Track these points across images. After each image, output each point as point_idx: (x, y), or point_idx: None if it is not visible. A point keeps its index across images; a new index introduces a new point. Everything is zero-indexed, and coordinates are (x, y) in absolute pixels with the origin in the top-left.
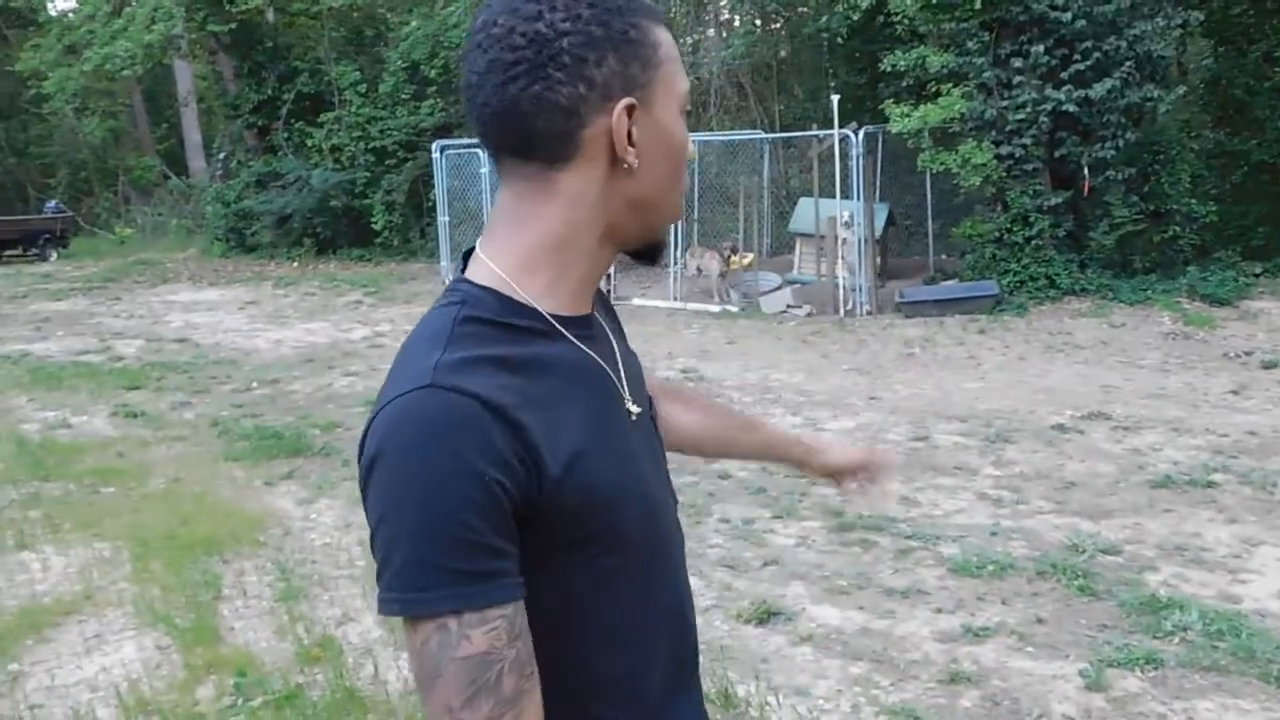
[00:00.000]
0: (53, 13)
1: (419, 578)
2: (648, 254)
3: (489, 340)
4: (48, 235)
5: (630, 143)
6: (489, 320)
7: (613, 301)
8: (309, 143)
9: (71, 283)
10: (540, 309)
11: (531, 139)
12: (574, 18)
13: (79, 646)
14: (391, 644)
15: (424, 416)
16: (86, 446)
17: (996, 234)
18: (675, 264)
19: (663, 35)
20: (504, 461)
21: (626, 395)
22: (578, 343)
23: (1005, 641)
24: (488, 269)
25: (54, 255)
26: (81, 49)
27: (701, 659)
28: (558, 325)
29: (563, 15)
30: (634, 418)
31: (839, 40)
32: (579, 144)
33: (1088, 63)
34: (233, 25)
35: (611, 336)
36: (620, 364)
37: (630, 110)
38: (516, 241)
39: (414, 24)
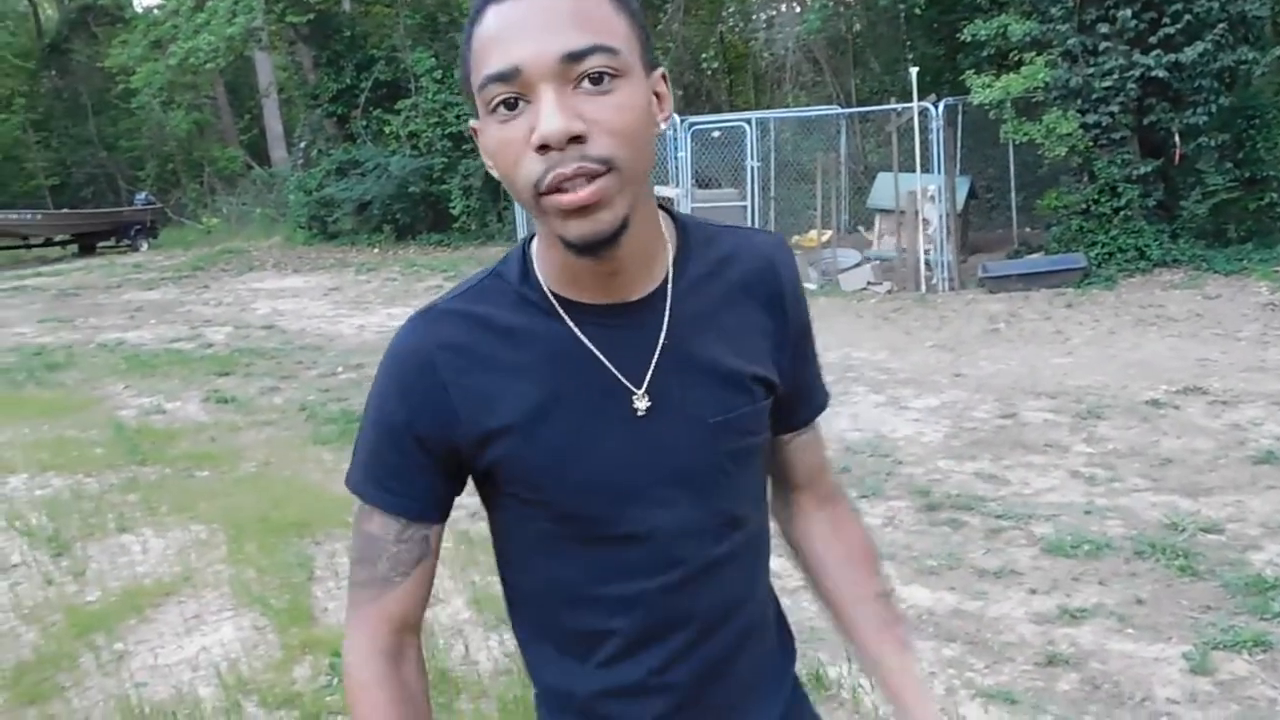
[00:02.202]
0: (139, 9)
1: (355, 462)
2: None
3: (493, 298)
4: (138, 226)
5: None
6: (507, 282)
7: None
8: (387, 130)
9: (162, 272)
10: (545, 286)
11: None
12: None
13: (179, 627)
14: (481, 625)
15: (393, 345)
16: (180, 432)
17: (1083, 205)
18: None
19: (474, 30)
20: (420, 408)
21: (636, 389)
22: (573, 326)
23: (1104, 623)
24: (533, 245)
25: (145, 245)
26: (166, 44)
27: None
28: (557, 305)
29: None
30: (640, 412)
31: (916, 11)
32: None
33: (1178, 26)
34: (311, 16)
35: (664, 334)
36: (655, 359)
37: (474, 131)
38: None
39: None
